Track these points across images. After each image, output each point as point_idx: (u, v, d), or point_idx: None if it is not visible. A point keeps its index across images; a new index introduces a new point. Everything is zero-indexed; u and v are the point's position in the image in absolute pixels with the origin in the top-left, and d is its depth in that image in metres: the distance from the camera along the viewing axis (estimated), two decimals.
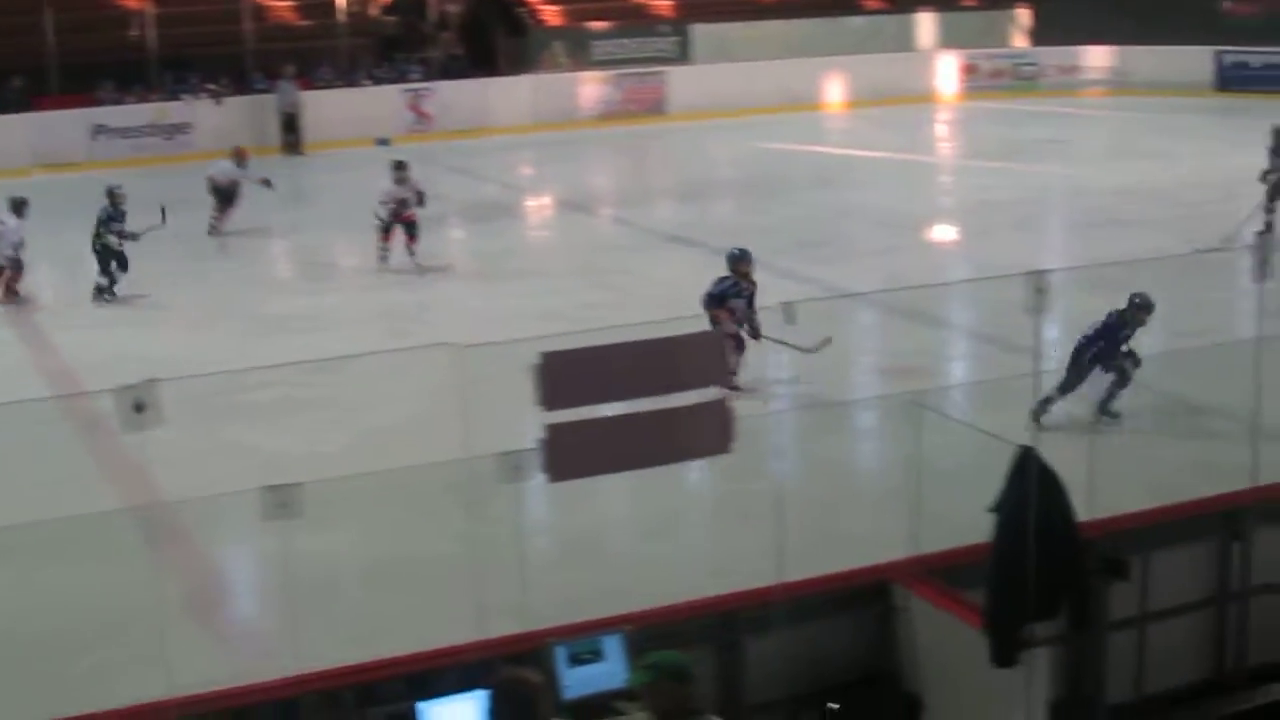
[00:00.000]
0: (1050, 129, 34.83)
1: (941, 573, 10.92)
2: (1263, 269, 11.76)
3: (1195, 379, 16.14)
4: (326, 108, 37.23)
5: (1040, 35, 45.59)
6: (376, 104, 38.13)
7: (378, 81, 39.66)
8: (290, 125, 36.72)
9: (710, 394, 8.98)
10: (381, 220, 24.13)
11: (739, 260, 17.62)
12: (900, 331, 20.09)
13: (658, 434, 8.83)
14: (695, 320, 9.78)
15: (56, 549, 12.31)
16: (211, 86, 37.19)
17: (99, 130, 35.90)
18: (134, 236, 22.86)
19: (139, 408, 8.27)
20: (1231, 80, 42.55)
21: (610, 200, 31.75)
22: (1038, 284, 9.89)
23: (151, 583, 10.28)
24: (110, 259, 22.64)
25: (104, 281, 22.63)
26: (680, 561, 12.72)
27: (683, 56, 42.14)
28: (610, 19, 43.17)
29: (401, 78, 39.45)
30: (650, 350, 8.67)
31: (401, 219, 23.98)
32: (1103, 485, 11.74)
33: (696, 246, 24.63)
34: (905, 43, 44.80)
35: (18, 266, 23.09)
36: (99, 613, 11.69)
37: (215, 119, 36.59)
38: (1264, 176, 23.92)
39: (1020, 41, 46.00)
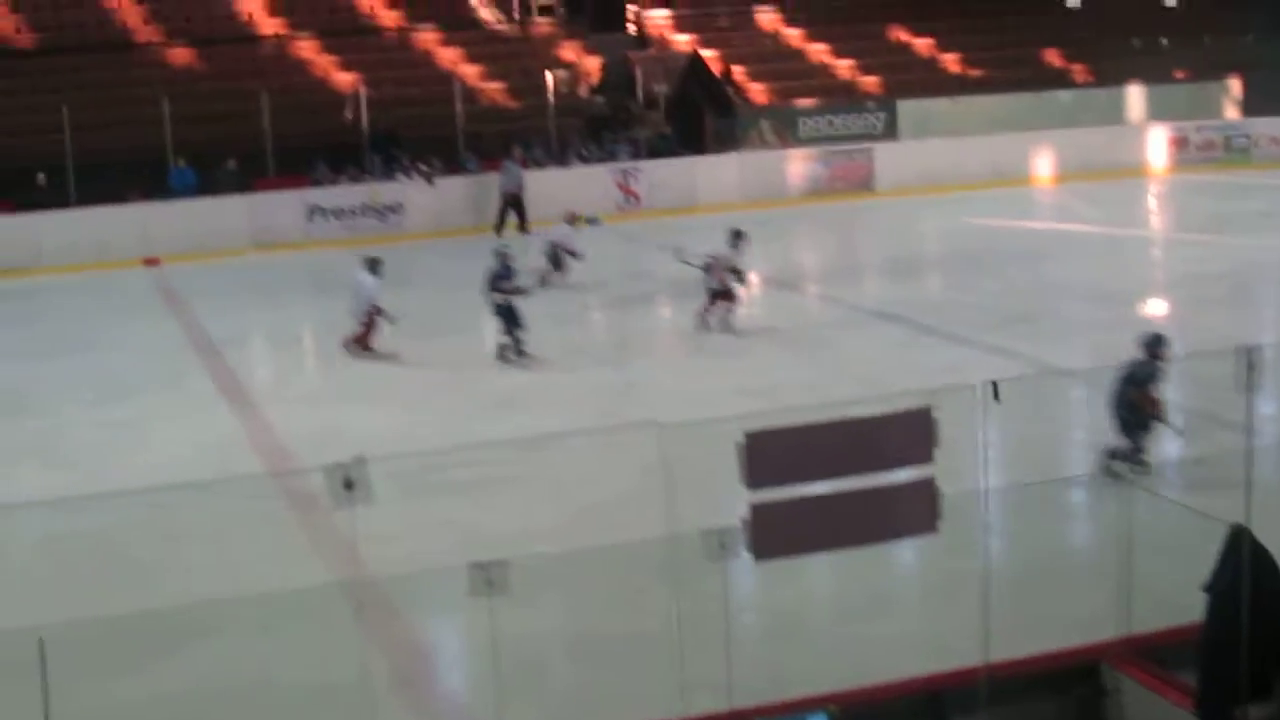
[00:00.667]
0: (1262, 201, 34.25)
1: (1152, 653, 10.78)
2: None
3: None
4: (537, 187, 37.65)
5: (1252, 106, 44.85)
6: (586, 184, 38.41)
7: (586, 161, 40.07)
8: (516, 205, 36.99)
9: (917, 473, 8.98)
10: (713, 288, 24.74)
11: (1159, 345, 16.37)
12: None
13: (862, 513, 8.85)
14: (902, 397, 9.74)
15: (267, 623, 12.52)
16: (424, 167, 37.77)
17: (314, 211, 36.65)
18: (522, 292, 23.78)
19: (349, 485, 8.45)
20: None
21: (817, 277, 31.76)
22: (1250, 359, 9.76)
23: (360, 657, 10.45)
24: (507, 317, 23.49)
25: (506, 340, 23.50)
26: (886, 640, 12.65)
27: (889, 133, 42.13)
28: (817, 96, 43.29)
29: (610, 157, 39.86)
30: (855, 429, 8.70)
31: (724, 286, 24.55)
32: None
33: (903, 323, 24.56)
34: (1114, 116, 44.33)
35: (371, 322, 23.97)
36: (308, 687, 11.87)
37: (427, 199, 37.18)
38: None
39: (1231, 113, 45.32)
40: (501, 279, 23.51)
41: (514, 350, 23.22)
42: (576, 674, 12.31)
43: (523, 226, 36.61)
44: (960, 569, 11.60)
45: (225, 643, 12.53)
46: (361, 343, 24.07)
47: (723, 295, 24.68)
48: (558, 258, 29.19)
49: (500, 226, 36.43)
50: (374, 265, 24.39)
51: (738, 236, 25.32)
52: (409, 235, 36.32)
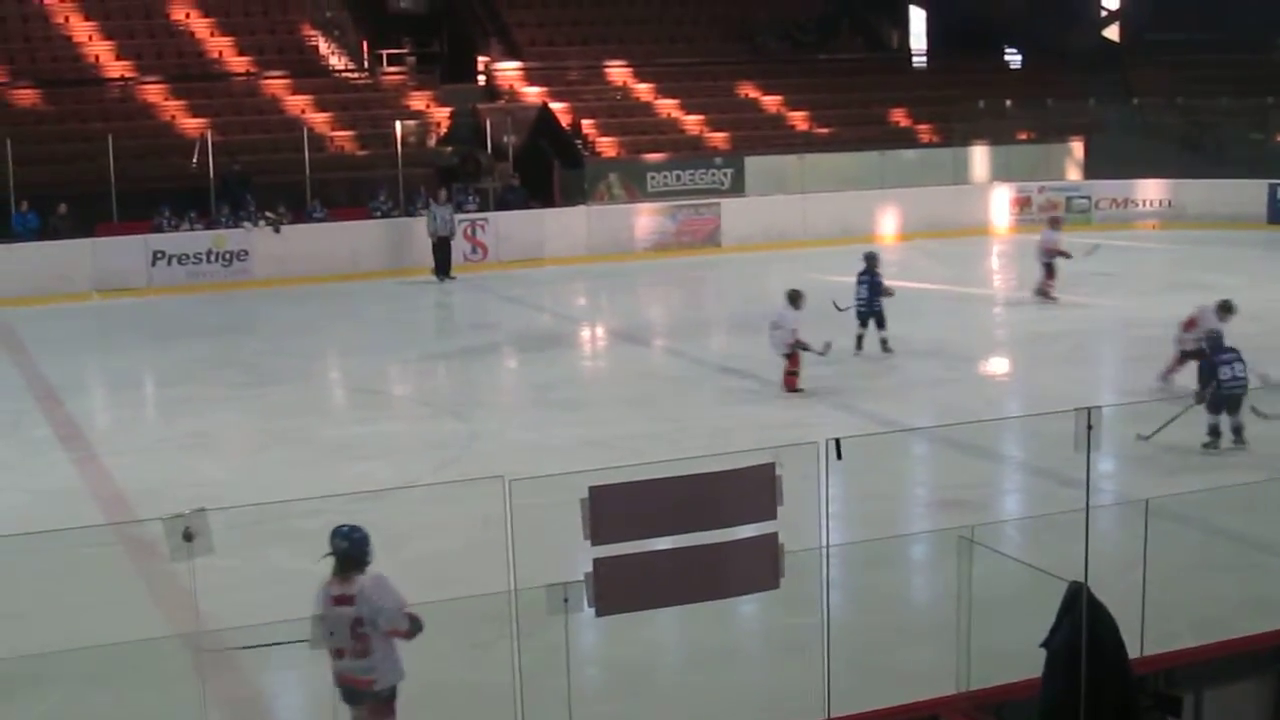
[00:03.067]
0: (1102, 262, 34.79)
1: (992, 709, 10.86)
2: None
3: (1245, 515, 16.07)
4: (388, 235, 37.57)
5: (1093, 169, 45.68)
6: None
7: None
8: (442, 249, 36.82)
9: (760, 529, 8.99)
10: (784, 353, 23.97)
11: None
12: (953, 465, 20.04)
13: (705, 569, 8.85)
14: (747, 455, 9.77)
15: (103, 673, 12.32)
16: (270, 215, 37.50)
17: (158, 256, 36.21)
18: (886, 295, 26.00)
19: (188, 536, 8.34)
20: None
21: (663, 331, 31.82)
22: (1088, 420, 9.89)
23: (198, 709, 10.29)
24: (870, 317, 25.76)
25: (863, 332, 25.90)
26: (728, 695, 12.67)
27: (737, 188, 42.36)
28: (665, 151, 43.51)
29: (458, 208, 39.77)
30: (699, 485, 8.71)
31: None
32: (1154, 621, 11.69)
33: (748, 378, 24.67)
34: (959, 175, 44.93)
35: (796, 357, 23.71)
36: None
37: (272, 246, 36.89)
38: None
39: (1073, 174, 46.10)
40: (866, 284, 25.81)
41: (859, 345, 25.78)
42: None
43: (445, 272, 36.54)
44: (803, 624, 11.63)
45: (61, 694, 12.31)
46: (790, 383, 23.59)
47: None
48: None
49: (443, 270, 36.44)
50: (795, 299, 24.09)
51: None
52: (254, 283, 36.02)
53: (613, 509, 8.28)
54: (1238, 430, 19.46)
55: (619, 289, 35.81)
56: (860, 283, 25.80)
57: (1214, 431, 19.48)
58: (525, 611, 10.12)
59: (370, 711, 10.34)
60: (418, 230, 37.44)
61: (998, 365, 26.17)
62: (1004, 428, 21.00)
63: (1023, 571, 12.05)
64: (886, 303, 26.03)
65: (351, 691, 10.35)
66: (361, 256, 37.45)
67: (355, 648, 10.14)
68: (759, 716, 11.53)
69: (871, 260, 26.03)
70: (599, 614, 8.55)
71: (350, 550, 10.55)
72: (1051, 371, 24.78)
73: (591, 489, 8.20)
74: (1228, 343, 20.34)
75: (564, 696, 10.05)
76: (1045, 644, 9.99)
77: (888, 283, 25.92)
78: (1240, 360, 19.70)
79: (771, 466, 9.27)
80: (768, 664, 13.65)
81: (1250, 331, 27.96)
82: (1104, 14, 55.96)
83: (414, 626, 10.28)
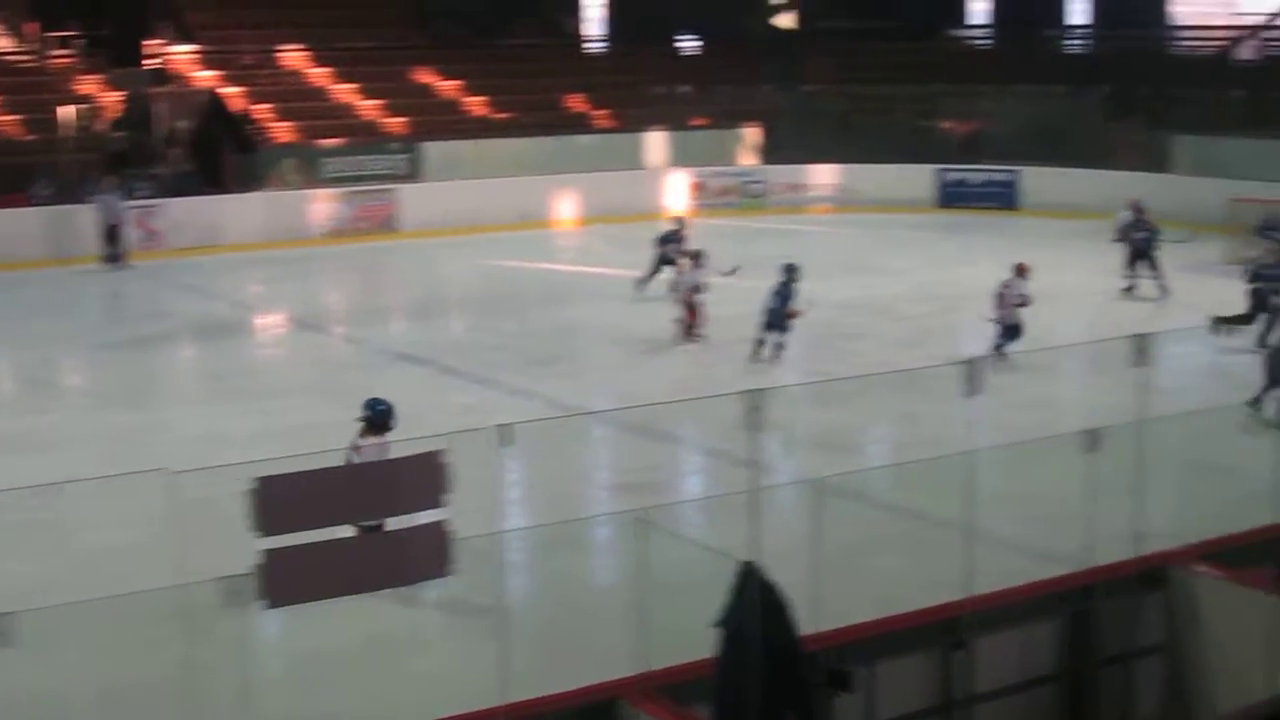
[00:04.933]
0: (777, 245, 35.33)
1: (669, 689, 10.96)
2: (975, 384, 12.06)
3: (916, 491, 16.46)
4: (54, 224, 36.52)
5: (768, 154, 46.38)
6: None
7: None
8: (112, 237, 35.73)
9: (429, 517, 8.95)
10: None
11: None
12: (632, 448, 20.21)
13: (375, 558, 8.79)
14: (423, 441, 9.71)
15: None
16: None
17: None
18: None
19: None
20: (952, 197, 43.70)
21: (341, 318, 31.52)
22: (753, 402, 10.04)
23: None
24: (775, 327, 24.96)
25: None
26: (411, 683, 12.60)
27: (414, 174, 42.08)
28: (341, 136, 43.03)
29: (129, 194, 38.76)
30: (367, 473, 8.65)
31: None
32: (827, 598, 11.90)
33: (426, 364, 24.59)
34: (636, 161, 45.24)
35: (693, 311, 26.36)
36: None
37: None
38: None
39: (748, 160, 46.73)
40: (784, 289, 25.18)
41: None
42: None
43: (119, 259, 35.54)
44: (483, 608, 11.62)
45: None
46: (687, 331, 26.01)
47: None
48: None
49: (114, 258, 35.41)
50: (697, 257, 27.46)
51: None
52: None
53: (281, 500, 8.16)
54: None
55: (296, 276, 35.33)
56: (776, 292, 25.29)
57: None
58: (199, 606, 9.94)
59: None
60: (86, 217, 36.44)
61: (677, 349, 26.37)
62: (683, 410, 21.18)
63: (699, 552, 12.19)
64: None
65: None
66: (22, 244, 36.20)
67: None
68: (440, 704, 11.47)
69: (791, 272, 25.63)
70: (269, 606, 8.43)
71: (374, 418, 14.67)
72: (728, 354, 25.05)
73: (258, 480, 8.07)
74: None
75: (241, 691, 9.91)
76: (719, 623, 10.11)
77: (801, 305, 25.38)
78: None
79: (439, 454, 9.23)
80: (450, 650, 13.61)
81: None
82: (779, 1, 56.83)
83: None
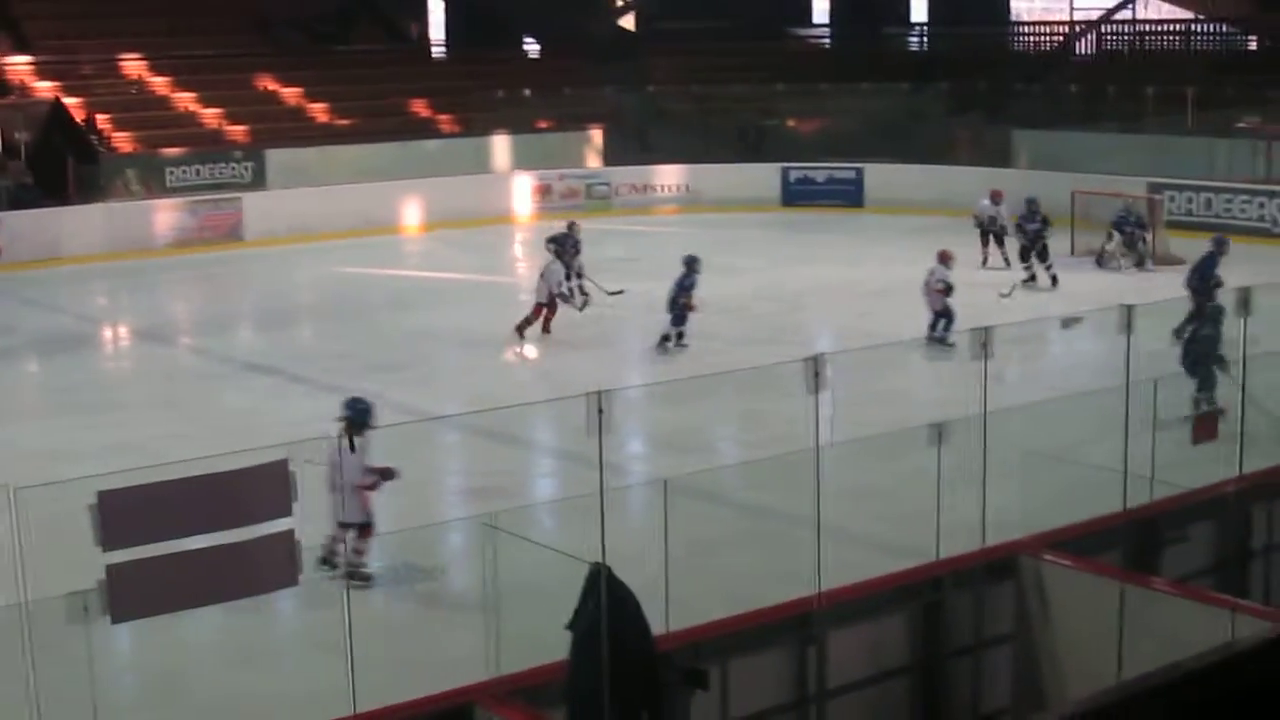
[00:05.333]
0: (623, 247, 35.43)
1: (523, 693, 10.95)
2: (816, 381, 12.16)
3: (765, 488, 16.57)
4: None
5: (611, 155, 46.45)
6: None
7: None
8: None
9: (275, 526, 8.89)
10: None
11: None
12: (483, 452, 20.18)
13: (222, 569, 8.70)
14: (271, 451, 9.63)
15: None
16: None
17: None
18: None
19: None
20: (798, 195, 43.98)
21: (187, 329, 31.17)
22: (597, 404, 10.07)
23: None
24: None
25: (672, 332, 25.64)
26: (261, 696, 12.51)
27: (258, 182, 41.72)
28: (184, 145, 42.57)
29: None
30: (212, 484, 8.56)
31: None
32: (680, 597, 11.96)
33: (274, 374, 24.43)
34: (481, 165, 45.13)
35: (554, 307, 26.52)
36: None
37: None
38: None
39: (593, 162, 46.77)
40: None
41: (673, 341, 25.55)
42: None
43: None
44: (335, 617, 11.56)
45: None
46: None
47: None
48: None
49: None
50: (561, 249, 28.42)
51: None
52: None
53: (124, 513, 8.06)
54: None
55: (141, 287, 34.91)
56: (678, 283, 25.37)
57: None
58: (45, 625, 9.80)
59: None
60: None
61: (525, 352, 26.35)
62: (532, 414, 21.17)
63: (549, 555, 12.20)
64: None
65: None
66: None
67: None
68: (292, 715, 11.40)
69: (692, 264, 25.72)
70: (115, 620, 8.33)
71: (355, 417, 15.19)
72: (577, 357, 25.10)
73: (100, 494, 7.97)
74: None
75: (90, 710, 9.78)
76: (570, 626, 10.12)
77: (694, 299, 25.63)
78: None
79: (285, 463, 9.17)
80: (300, 660, 13.53)
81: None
82: (619, 3, 56.94)
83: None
